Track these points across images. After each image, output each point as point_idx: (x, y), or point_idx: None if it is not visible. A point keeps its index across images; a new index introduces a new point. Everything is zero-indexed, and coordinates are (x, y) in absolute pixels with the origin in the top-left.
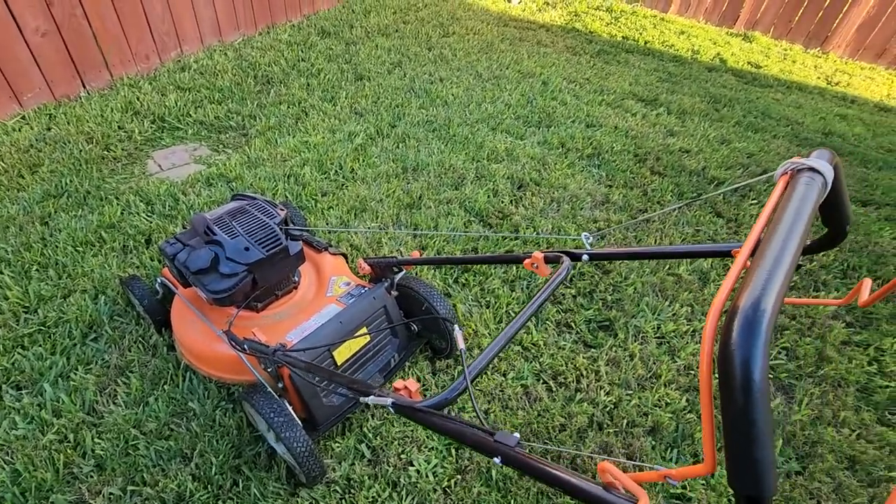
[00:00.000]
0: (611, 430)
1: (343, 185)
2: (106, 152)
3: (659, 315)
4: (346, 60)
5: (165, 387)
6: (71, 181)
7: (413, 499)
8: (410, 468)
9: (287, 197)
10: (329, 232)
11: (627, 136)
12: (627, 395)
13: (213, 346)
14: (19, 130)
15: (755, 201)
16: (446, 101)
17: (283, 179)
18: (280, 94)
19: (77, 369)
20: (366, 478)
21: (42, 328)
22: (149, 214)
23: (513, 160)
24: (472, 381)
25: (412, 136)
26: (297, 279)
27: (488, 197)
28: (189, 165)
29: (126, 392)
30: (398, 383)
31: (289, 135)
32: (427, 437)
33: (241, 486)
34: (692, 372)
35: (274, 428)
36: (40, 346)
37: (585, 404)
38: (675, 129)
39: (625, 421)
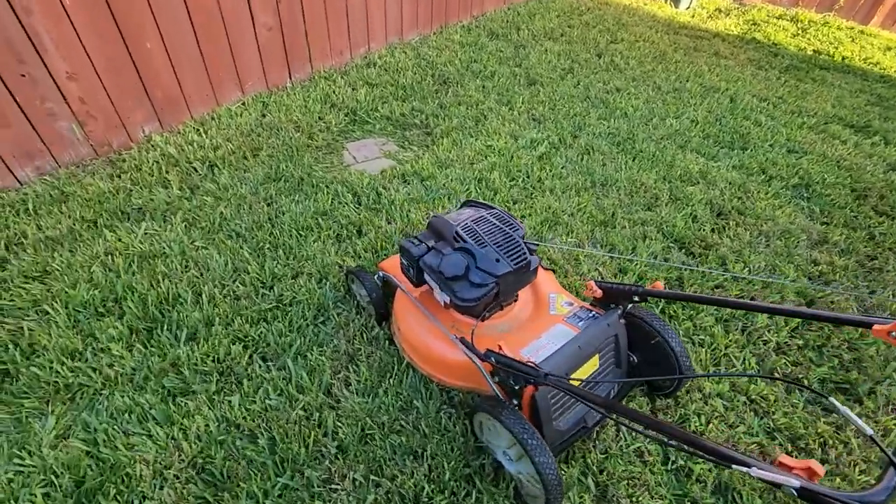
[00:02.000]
0: None
1: (532, 194)
2: (310, 141)
3: None
4: (516, 63)
5: (391, 380)
6: (287, 167)
7: None
8: None
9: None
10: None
11: (840, 167)
12: None
13: (442, 349)
14: (241, 115)
15: None
16: (626, 113)
17: (474, 182)
18: (458, 95)
19: (312, 350)
20: None
21: (279, 305)
22: (356, 206)
23: (709, 184)
24: None
25: (596, 149)
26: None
27: (686, 222)
28: (380, 160)
29: (357, 380)
30: (785, 458)
31: (471, 137)
32: (656, 484)
33: (473, 497)
34: None
35: (528, 450)
36: (279, 322)
37: (838, 479)
38: None
39: None
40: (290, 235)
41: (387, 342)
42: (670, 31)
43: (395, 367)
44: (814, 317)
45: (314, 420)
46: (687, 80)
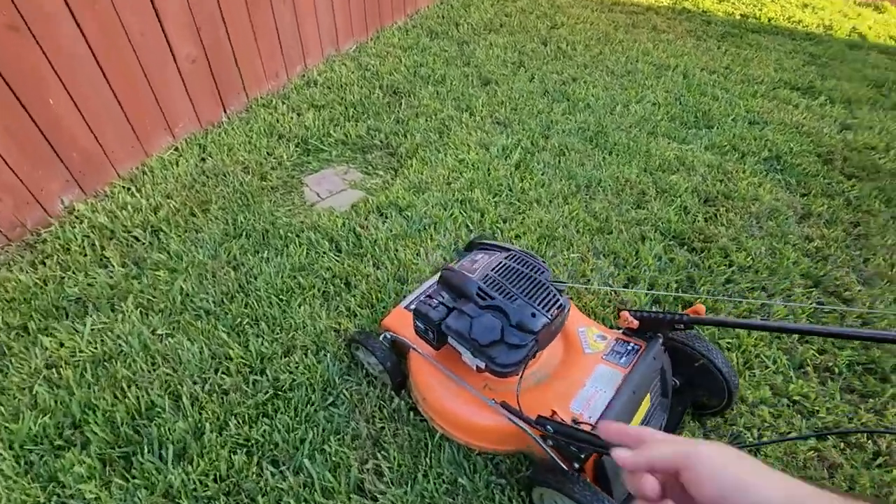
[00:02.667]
0: None
1: (519, 209)
2: (263, 182)
3: None
4: (464, 62)
5: (427, 460)
6: (245, 218)
7: None
8: None
9: (468, 226)
10: None
11: (800, 133)
12: None
13: (479, 415)
14: (177, 164)
15: None
16: (588, 105)
17: (457, 205)
18: (413, 106)
19: (329, 441)
20: None
21: (277, 392)
22: (336, 253)
23: (689, 170)
24: None
25: (570, 148)
26: None
27: (679, 216)
28: (346, 192)
29: (389, 467)
30: None
31: (439, 152)
32: None
33: None
34: None
35: None
36: (283, 413)
37: None
38: (848, 122)
39: None
40: (270, 303)
41: (410, 413)
42: (605, 10)
43: (429, 442)
44: (874, 339)
45: None
46: (637, 61)
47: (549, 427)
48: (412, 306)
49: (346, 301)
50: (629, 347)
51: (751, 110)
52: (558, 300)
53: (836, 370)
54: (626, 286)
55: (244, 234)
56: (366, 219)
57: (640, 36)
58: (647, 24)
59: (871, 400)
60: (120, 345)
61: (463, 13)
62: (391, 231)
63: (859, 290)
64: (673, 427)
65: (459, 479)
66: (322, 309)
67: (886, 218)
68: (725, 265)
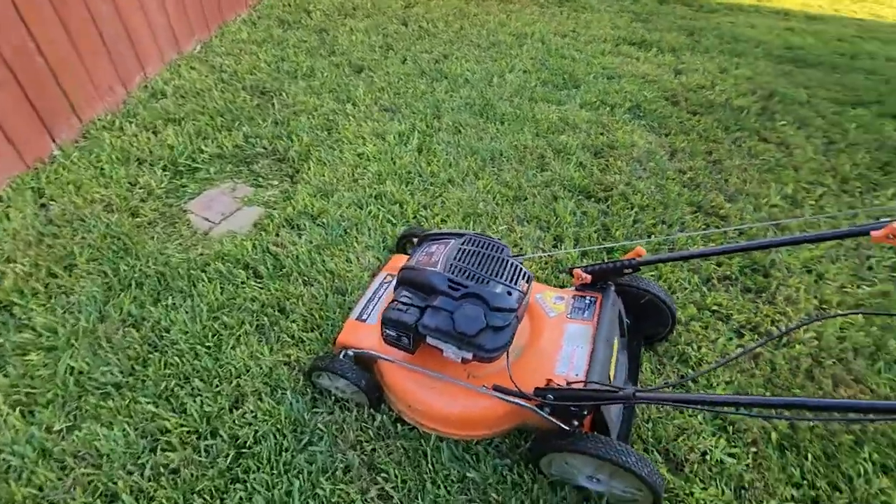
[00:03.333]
0: (828, 363)
1: (435, 192)
2: (136, 219)
3: (790, 251)
4: (329, 52)
5: (430, 466)
6: (129, 265)
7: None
8: (707, 458)
9: (391, 221)
10: None
11: (647, 82)
12: (819, 327)
13: (473, 406)
14: (7, 218)
15: (784, 121)
16: (467, 80)
17: (373, 202)
18: (288, 105)
19: (319, 483)
20: (682, 483)
21: (241, 451)
22: (257, 280)
23: (573, 128)
24: None
25: (464, 124)
26: None
27: (578, 172)
28: (242, 210)
29: (394, 487)
30: None
31: (335, 150)
32: (700, 423)
33: None
34: (847, 291)
35: (632, 469)
36: (256, 472)
37: (798, 346)
38: (679, 67)
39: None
40: (196, 355)
41: (397, 425)
42: None
43: (426, 449)
44: (815, 239)
45: None
46: (497, 33)
47: (550, 395)
48: (365, 316)
49: (286, 329)
50: (587, 301)
51: (605, 67)
52: (524, 271)
53: (733, 276)
54: (555, 246)
55: (133, 283)
56: (277, 235)
57: (492, 8)
58: None
59: (763, 294)
60: (6, 459)
61: None
62: (311, 242)
63: (729, 207)
64: (636, 361)
65: (467, 474)
66: (262, 345)
67: (729, 143)
68: (628, 208)
